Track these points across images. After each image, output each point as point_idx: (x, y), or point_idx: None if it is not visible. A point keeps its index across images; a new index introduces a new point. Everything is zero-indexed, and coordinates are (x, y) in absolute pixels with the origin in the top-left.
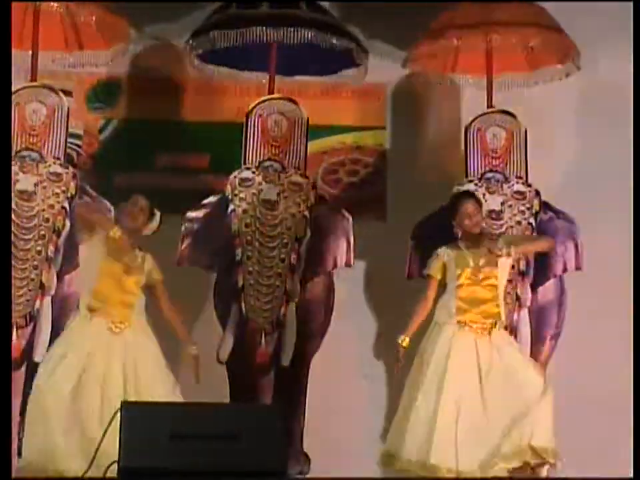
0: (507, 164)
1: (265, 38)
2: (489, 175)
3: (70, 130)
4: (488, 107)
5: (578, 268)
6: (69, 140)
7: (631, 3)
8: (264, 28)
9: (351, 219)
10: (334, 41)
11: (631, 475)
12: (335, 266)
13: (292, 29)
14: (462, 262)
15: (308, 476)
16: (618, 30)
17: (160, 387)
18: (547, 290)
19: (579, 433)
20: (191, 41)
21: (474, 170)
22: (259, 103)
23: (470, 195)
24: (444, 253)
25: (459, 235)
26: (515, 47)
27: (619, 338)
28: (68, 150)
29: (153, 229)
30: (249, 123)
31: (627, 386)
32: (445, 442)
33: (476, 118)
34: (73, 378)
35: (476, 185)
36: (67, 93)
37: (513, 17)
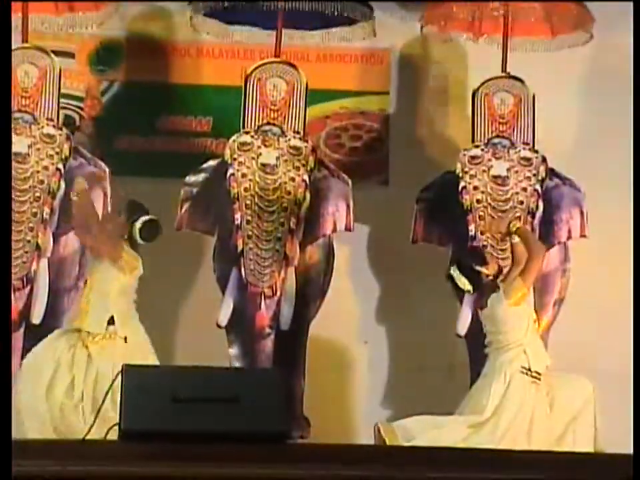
0: (513, 130)
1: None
2: (496, 140)
3: (72, 92)
4: (502, 72)
5: (583, 235)
6: (70, 102)
7: (631, 3)
8: None
9: (350, 182)
10: (339, 9)
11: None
12: (335, 230)
13: None
14: None
15: (308, 441)
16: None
17: None
18: (551, 256)
19: None
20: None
21: (480, 135)
22: (258, 67)
23: None
24: None
25: None
26: (528, 14)
27: (623, 306)
28: (69, 112)
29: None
30: (248, 87)
31: (627, 357)
32: None
33: (484, 83)
34: None
35: (482, 150)
36: (69, 55)
37: None
